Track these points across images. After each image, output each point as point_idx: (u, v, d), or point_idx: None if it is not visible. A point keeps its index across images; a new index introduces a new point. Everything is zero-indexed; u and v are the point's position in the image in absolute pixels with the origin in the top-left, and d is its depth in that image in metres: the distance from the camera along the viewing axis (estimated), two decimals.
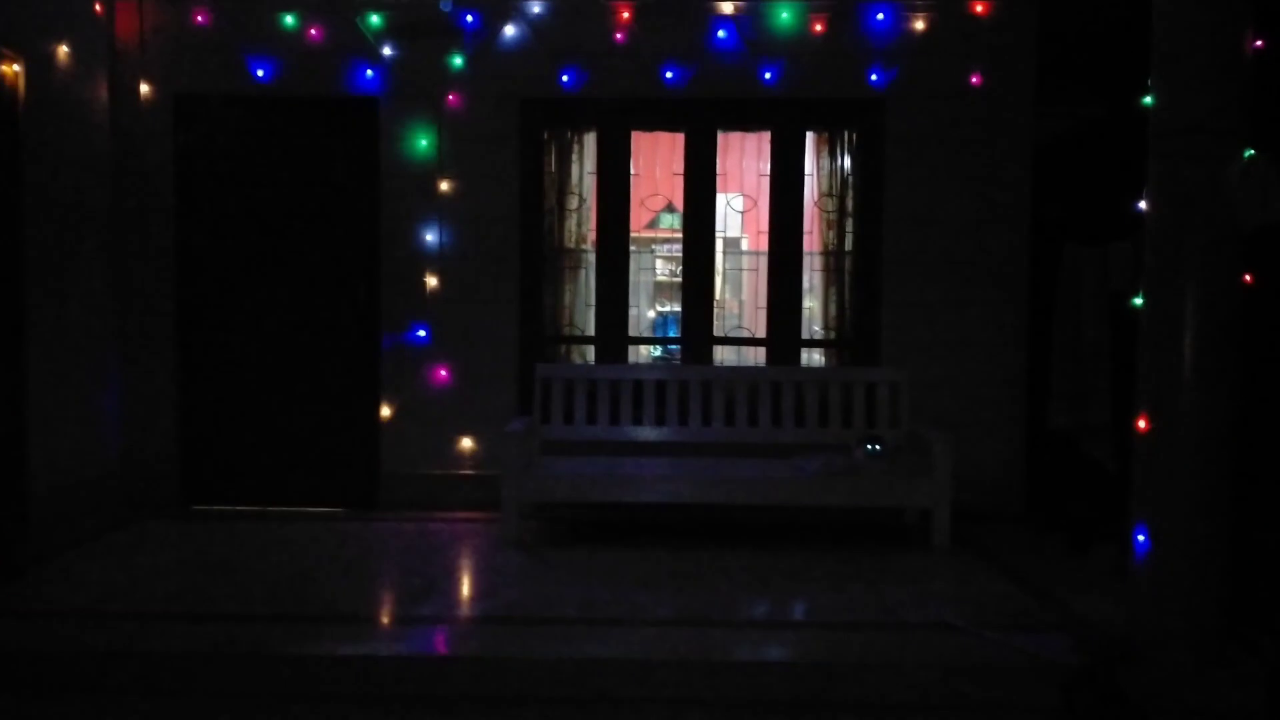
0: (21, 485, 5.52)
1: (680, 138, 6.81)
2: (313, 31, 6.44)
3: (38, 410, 5.65)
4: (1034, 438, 6.45)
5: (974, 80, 6.43)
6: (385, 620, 4.66)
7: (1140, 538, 4.07)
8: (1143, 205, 4.15)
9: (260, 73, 6.46)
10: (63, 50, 5.90)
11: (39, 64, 5.67)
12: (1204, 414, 3.94)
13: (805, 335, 6.89)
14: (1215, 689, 3.95)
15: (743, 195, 7.36)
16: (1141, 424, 4.08)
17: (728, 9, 6.45)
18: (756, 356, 7.00)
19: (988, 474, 6.46)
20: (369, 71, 6.48)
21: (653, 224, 9.26)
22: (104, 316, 6.42)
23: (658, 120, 6.83)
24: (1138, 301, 4.17)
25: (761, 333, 6.89)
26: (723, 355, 7.05)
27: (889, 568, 5.43)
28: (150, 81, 6.48)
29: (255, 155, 6.61)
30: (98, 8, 6.25)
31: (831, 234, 6.81)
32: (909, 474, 5.82)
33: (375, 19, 6.40)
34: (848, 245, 6.76)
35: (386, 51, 6.45)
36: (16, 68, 5.49)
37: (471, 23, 6.43)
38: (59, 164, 5.88)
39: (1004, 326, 6.52)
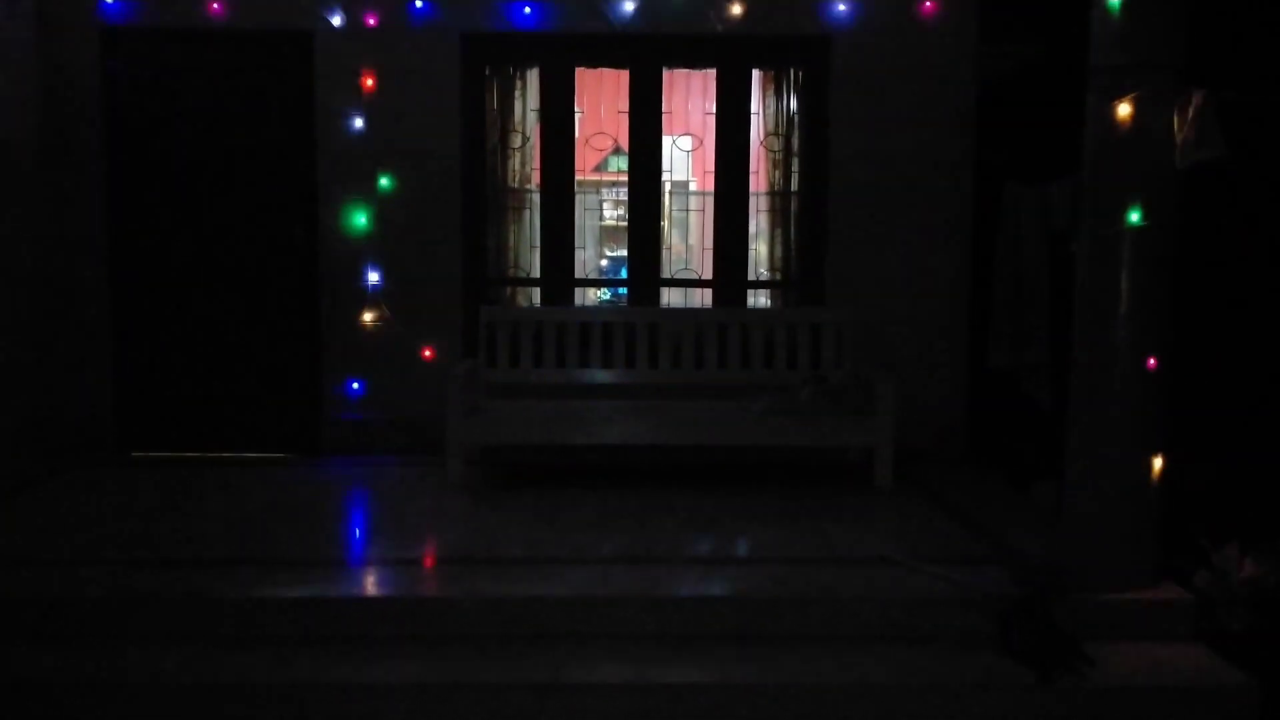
0: None
1: (625, 75, 6.70)
2: None
3: None
4: (976, 377, 6.52)
5: (920, 15, 6.38)
6: (328, 563, 4.61)
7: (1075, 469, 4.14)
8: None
9: (193, 6, 6.22)
10: None
11: None
12: (1137, 348, 4.00)
13: (752, 277, 6.88)
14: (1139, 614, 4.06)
15: (690, 136, 7.29)
16: (1078, 359, 4.13)
17: None
18: (704, 298, 6.98)
19: (931, 414, 6.52)
20: (304, 3, 6.27)
21: (600, 167, 9.16)
22: (20, 261, 6.19)
23: (602, 57, 6.70)
24: (1075, 247, 4.19)
25: (708, 274, 6.87)
26: (669, 297, 7.01)
27: (832, 506, 5.49)
28: (73, 12, 6.22)
29: (188, 93, 6.39)
30: None
31: (778, 174, 6.78)
32: (853, 414, 5.86)
33: None
34: (794, 186, 6.73)
35: None
36: None
37: None
38: None
39: (948, 267, 6.55)
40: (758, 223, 6.89)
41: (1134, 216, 3.95)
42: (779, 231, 6.81)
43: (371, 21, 6.31)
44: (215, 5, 6.23)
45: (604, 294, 8.11)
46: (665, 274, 6.88)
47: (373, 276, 6.48)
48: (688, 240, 8.18)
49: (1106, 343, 4.04)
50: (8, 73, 5.96)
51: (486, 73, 6.61)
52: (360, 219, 6.44)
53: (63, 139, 6.30)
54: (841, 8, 6.38)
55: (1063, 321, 4.59)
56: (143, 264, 6.47)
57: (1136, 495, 4.10)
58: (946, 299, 6.56)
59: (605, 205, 8.83)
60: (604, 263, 8.97)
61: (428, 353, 6.50)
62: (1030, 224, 5.73)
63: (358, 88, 6.36)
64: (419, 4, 6.31)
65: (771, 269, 6.88)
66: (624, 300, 6.97)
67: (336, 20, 6.29)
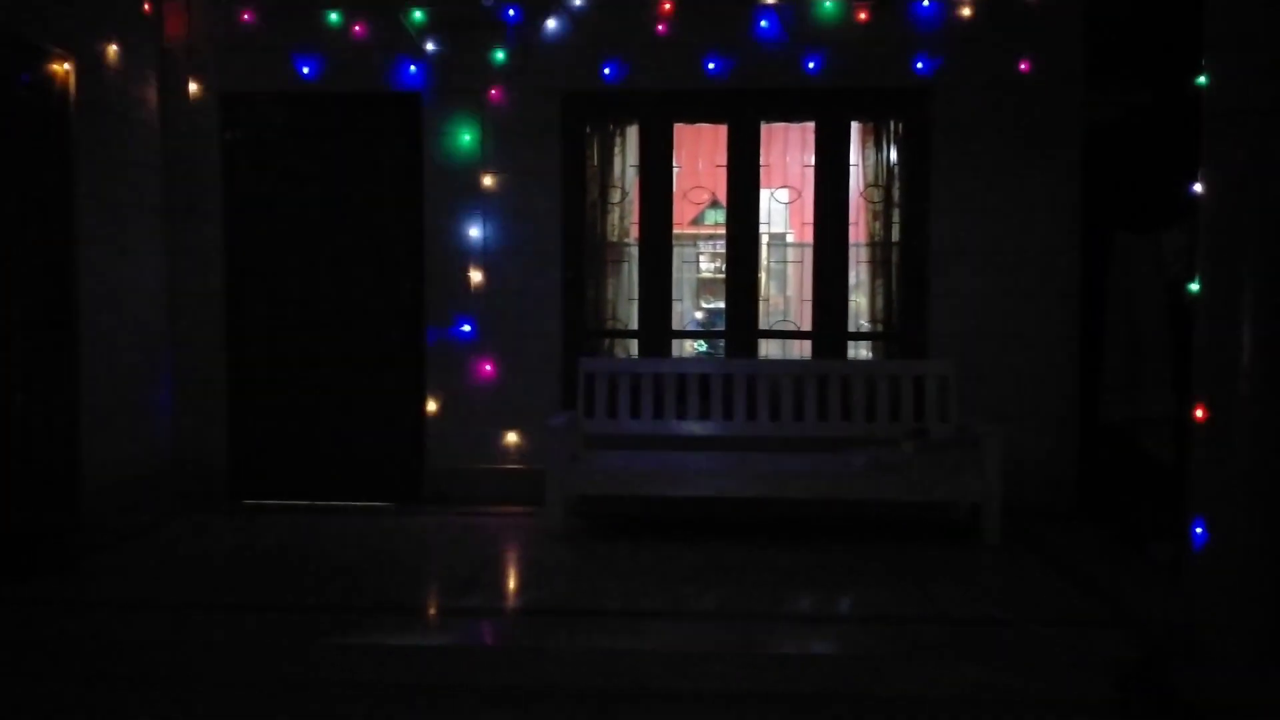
0: (74, 480, 5.64)
1: (723, 130, 6.76)
2: (356, 28, 6.47)
3: (90, 406, 5.76)
4: (1088, 431, 6.30)
5: (1021, 68, 6.30)
6: (430, 611, 4.66)
7: (1198, 530, 3.96)
8: (1197, 189, 4.03)
9: (305, 70, 6.51)
10: (112, 50, 6.00)
11: (89, 63, 5.77)
12: (1263, 401, 3.82)
13: (852, 328, 6.80)
14: (1273, 685, 3.82)
15: (788, 188, 7.29)
16: (1199, 413, 3.97)
17: (769, 0, 6.39)
18: (802, 350, 6.92)
19: (1039, 468, 6.32)
20: (412, 67, 6.50)
21: (698, 220, 9.24)
22: (156, 313, 6.52)
23: (700, 112, 6.78)
24: (1194, 288, 4.05)
25: (807, 326, 6.82)
26: (768, 349, 6.97)
27: (937, 563, 5.34)
28: (198, 80, 6.56)
29: (301, 152, 6.67)
30: (146, 7, 6.33)
31: (878, 225, 6.72)
32: (958, 468, 5.72)
33: (418, 14, 6.42)
34: (894, 236, 6.66)
35: (429, 47, 6.46)
36: (67, 66, 5.60)
37: (513, 16, 6.43)
38: (110, 162, 5.99)
39: (1055, 317, 6.37)
40: (857, 274, 6.83)
41: (1252, 263, 3.80)
42: (879, 283, 6.73)
43: (476, 84, 6.50)
44: (327, 71, 6.50)
45: (701, 345, 8.12)
46: (763, 326, 6.86)
47: (475, 329, 6.60)
48: (785, 292, 8.16)
49: (1229, 395, 3.87)
50: (136, 136, 6.31)
51: (587, 130, 6.74)
52: (464, 272, 6.59)
53: (185, 199, 6.62)
54: (941, 60, 6.34)
55: (1182, 373, 4.42)
56: (257, 318, 6.72)
57: (1262, 554, 3.89)
58: (1055, 349, 6.37)
59: (702, 258, 8.88)
60: (698, 314, 8.98)
61: (527, 405, 6.57)
62: (1143, 273, 5.57)
63: (463, 146, 6.54)
64: (521, 64, 6.49)
65: (872, 320, 6.79)
66: (721, 352, 6.96)
67: (442, 84, 6.50)
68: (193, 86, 6.56)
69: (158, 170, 6.53)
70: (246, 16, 6.48)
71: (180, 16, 6.51)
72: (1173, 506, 4.30)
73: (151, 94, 6.45)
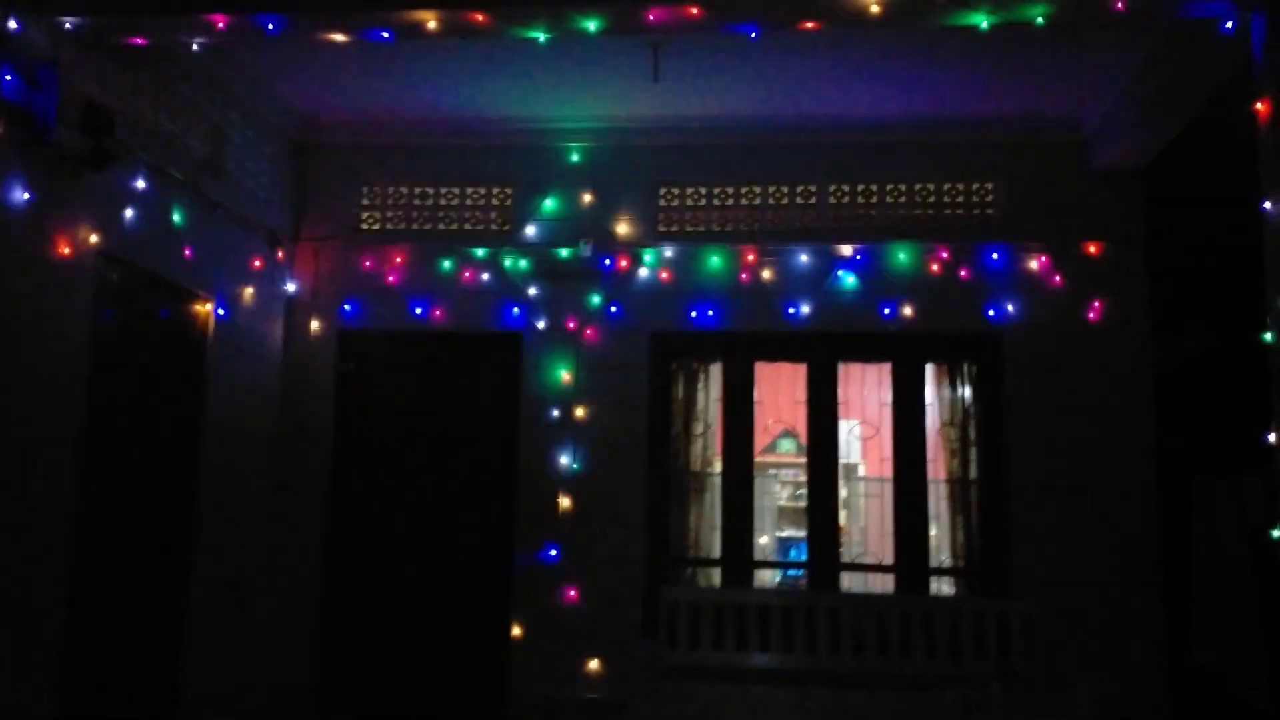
0: (171, 709, 5.81)
1: (802, 367, 7.11)
2: (466, 275, 7.08)
3: (194, 632, 6.00)
4: (1176, 674, 6.17)
5: (1090, 315, 6.62)
6: None
7: None
8: (1271, 438, 4.20)
9: (418, 310, 7.08)
10: (248, 293, 6.63)
11: (226, 305, 6.37)
12: None
13: (933, 563, 6.86)
14: None
15: (863, 423, 7.55)
16: None
17: (847, 252, 6.87)
18: (884, 584, 6.97)
19: (1126, 711, 6.15)
20: (515, 309, 7.04)
21: (771, 448, 9.49)
22: (260, 537, 6.85)
23: (780, 352, 7.16)
24: (1277, 534, 4.14)
25: (888, 560, 6.90)
26: (849, 582, 7.04)
27: None
28: (319, 317, 7.16)
29: (407, 383, 7.16)
30: (279, 255, 7.02)
31: (955, 462, 6.89)
32: (1048, 712, 5.62)
33: (523, 263, 7.02)
34: (972, 474, 6.82)
35: (532, 291, 7.02)
36: (209, 307, 6.21)
37: (608, 266, 6.99)
38: (234, 391, 6.49)
39: (1137, 557, 6.38)
40: (937, 509, 6.95)
41: None
42: (959, 519, 6.84)
43: (571, 324, 7.00)
44: (437, 312, 7.07)
45: (779, 574, 8.19)
46: (844, 559, 6.95)
47: (562, 554, 6.79)
48: (864, 525, 8.27)
49: None
50: (259, 367, 6.85)
51: (672, 366, 7.14)
52: (553, 499, 6.85)
53: (298, 424, 7.08)
54: (1010, 308, 6.70)
55: (1271, 616, 4.43)
56: (351, 535, 7.02)
57: None
58: (1139, 590, 6.34)
59: (777, 486, 9.08)
60: (763, 540, 9.04)
61: (610, 631, 6.66)
62: (1225, 516, 5.63)
63: (558, 380, 6.97)
64: (613, 309, 6.99)
65: (954, 556, 6.86)
66: (799, 581, 7.03)
67: (541, 324, 7.02)
68: (314, 324, 7.16)
69: (275, 399, 7.03)
70: (367, 263, 7.14)
71: (309, 263, 7.19)
72: None
73: (277, 329, 7.05)
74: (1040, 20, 4.57)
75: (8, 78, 4.50)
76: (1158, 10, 4.61)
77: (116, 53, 5.15)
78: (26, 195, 4.62)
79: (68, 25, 4.82)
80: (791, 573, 8.21)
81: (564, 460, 6.90)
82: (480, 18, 4.69)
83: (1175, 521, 6.24)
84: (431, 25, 4.72)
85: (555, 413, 6.94)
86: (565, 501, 6.86)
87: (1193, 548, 5.82)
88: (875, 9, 4.50)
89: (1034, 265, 6.73)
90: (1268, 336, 4.27)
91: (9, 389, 4.56)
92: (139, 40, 5.06)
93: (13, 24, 4.56)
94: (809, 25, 4.81)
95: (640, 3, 4.59)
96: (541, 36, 4.85)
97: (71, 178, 4.90)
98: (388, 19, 4.74)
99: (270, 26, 4.81)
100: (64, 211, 4.90)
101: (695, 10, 4.59)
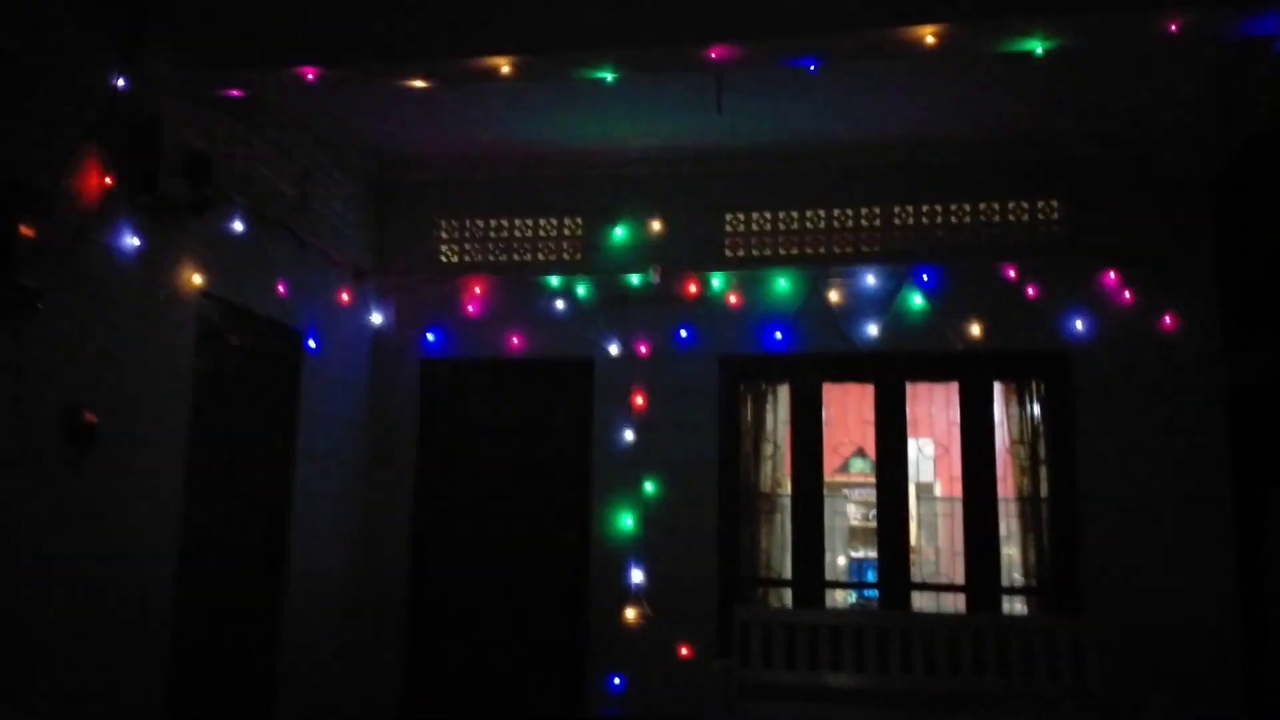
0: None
1: (870, 387, 7.20)
2: (541, 303, 7.33)
3: (289, 652, 6.30)
4: (1251, 692, 6.10)
5: (1159, 330, 6.59)
6: None
7: None
8: None
9: (496, 339, 7.34)
10: (336, 325, 6.95)
11: (315, 336, 6.68)
12: None
13: (1005, 582, 6.87)
14: None
15: (933, 442, 7.61)
16: None
17: (913, 271, 6.93)
18: (955, 603, 7.00)
19: None
20: (587, 335, 7.26)
21: (843, 468, 9.56)
22: (349, 561, 7.14)
23: (848, 373, 7.26)
24: None
25: (959, 579, 6.93)
26: (920, 602, 7.08)
27: None
28: (400, 348, 7.47)
29: (486, 410, 7.45)
30: (361, 287, 7.30)
31: (1025, 480, 6.91)
32: None
33: (595, 291, 7.25)
34: (1043, 492, 6.82)
35: (603, 318, 7.23)
36: (299, 340, 6.54)
37: (677, 290, 7.17)
38: (325, 420, 6.80)
39: (1212, 573, 6.33)
40: (1008, 528, 6.97)
41: None
42: (1030, 537, 6.85)
43: (643, 349, 7.20)
44: (515, 340, 7.33)
45: (852, 595, 8.25)
46: (915, 578, 7.00)
47: (635, 575, 6.97)
48: (936, 544, 8.29)
49: None
50: (350, 394, 7.17)
51: (741, 389, 7.29)
52: (626, 521, 7.04)
53: (384, 450, 7.39)
54: (1078, 324, 6.71)
55: None
56: (434, 562, 7.29)
57: None
58: (1213, 607, 6.29)
59: (848, 506, 9.14)
60: (840, 560, 9.12)
61: (684, 651, 6.81)
62: None
63: (629, 404, 7.17)
64: (683, 334, 7.17)
65: (1025, 575, 6.87)
66: (871, 602, 7.09)
67: (614, 349, 7.23)
68: (397, 354, 7.47)
69: (363, 427, 7.34)
70: (447, 294, 7.43)
71: (392, 296, 7.50)
72: None
73: (363, 359, 7.37)
74: (1095, 45, 4.64)
75: (116, 132, 4.86)
76: (1212, 31, 4.65)
77: (214, 103, 5.51)
78: (136, 241, 4.97)
79: (170, 79, 5.17)
80: (865, 592, 8.27)
81: (636, 482, 7.08)
82: (549, 61, 4.94)
83: (1251, 536, 6.18)
84: (505, 70, 4.97)
85: (628, 436, 7.13)
86: (639, 522, 7.03)
87: (1268, 562, 5.76)
88: (930, 39, 4.63)
89: (1101, 281, 6.74)
90: None
91: (121, 422, 4.89)
92: (236, 92, 5.41)
93: (121, 82, 4.92)
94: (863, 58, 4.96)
95: (702, 41, 4.78)
96: (609, 77, 5.07)
97: (174, 223, 5.25)
98: (466, 66, 5.00)
99: (354, 76, 5.12)
100: (168, 255, 5.25)
101: (755, 47, 4.77)
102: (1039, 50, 4.70)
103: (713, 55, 4.85)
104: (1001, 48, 4.76)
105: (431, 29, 4.96)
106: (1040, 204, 6.98)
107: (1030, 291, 6.81)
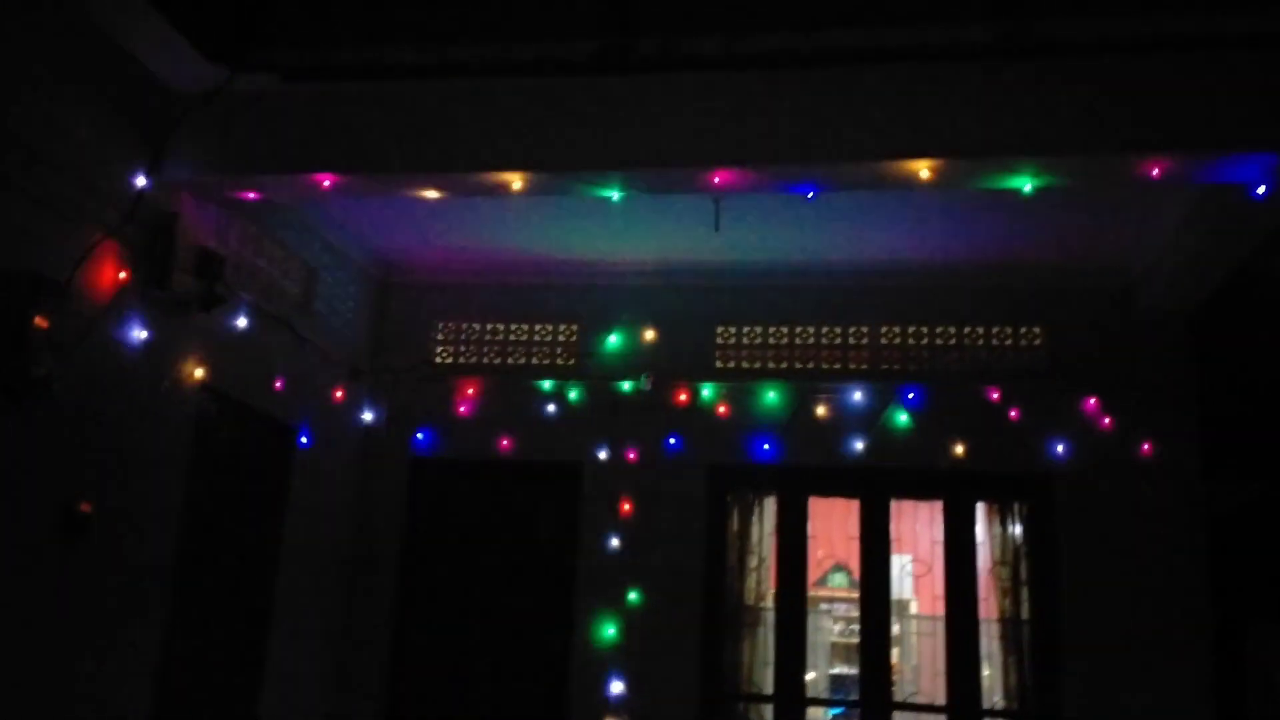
0: None
1: (855, 504, 7.27)
2: (533, 407, 7.40)
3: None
4: None
5: (1139, 458, 6.71)
6: None
7: None
8: None
9: (486, 441, 7.38)
10: (329, 422, 6.99)
11: (308, 434, 6.71)
12: None
13: (985, 704, 6.85)
14: None
15: (915, 560, 7.66)
16: None
17: (899, 390, 7.09)
18: None
19: None
20: (577, 440, 7.32)
21: (822, 582, 9.56)
22: (327, 657, 7.05)
23: (834, 488, 7.35)
24: None
25: (940, 699, 6.91)
26: None
27: None
28: (391, 447, 7.50)
29: (474, 512, 7.43)
30: (357, 387, 7.36)
31: (1007, 601, 6.94)
32: None
33: (587, 397, 7.34)
34: (1024, 613, 6.85)
35: (594, 424, 7.31)
36: (292, 436, 6.58)
37: (668, 400, 7.27)
38: (312, 516, 6.78)
39: (1191, 703, 6.34)
40: (989, 648, 6.98)
41: None
42: (1012, 659, 6.85)
43: (631, 456, 7.26)
44: (504, 442, 7.38)
45: (832, 711, 8.18)
46: (896, 697, 6.97)
47: (616, 686, 6.90)
48: (916, 663, 8.27)
49: None
50: (338, 491, 7.18)
51: (728, 499, 7.34)
52: (609, 631, 7.00)
53: (368, 549, 7.36)
54: (1060, 449, 6.84)
55: None
56: (416, 666, 7.19)
57: None
58: None
59: (829, 621, 9.12)
60: (814, 676, 9.04)
61: None
62: (1278, 661, 5.63)
63: (615, 510, 7.19)
64: (672, 442, 7.25)
65: (1006, 697, 6.85)
66: (850, 718, 7.04)
67: (602, 454, 7.29)
68: (385, 453, 7.50)
69: (350, 524, 7.32)
70: (440, 395, 7.49)
71: (386, 394, 7.56)
72: None
73: (352, 458, 7.39)
74: (1080, 185, 4.88)
75: (129, 229, 4.99)
76: (1190, 175, 4.90)
77: (228, 203, 5.66)
78: (144, 334, 5.06)
79: (184, 181, 5.33)
80: (838, 710, 8.21)
81: (621, 590, 7.06)
82: (558, 180, 5.14)
83: (1230, 666, 6.22)
84: (516, 186, 5.16)
85: (614, 542, 7.14)
86: (622, 632, 6.99)
87: (1248, 694, 5.80)
88: (925, 174, 4.85)
89: (1083, 407, 6.90)
90: None
91: (116, 511, 4.90)
92: (250, 194, 5.57)
93: (141, 180, 5.07)
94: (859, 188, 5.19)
95: (705, 166, 5.00)
96: (615, 195, 5.25)
97: (182, 318, 5.35)
98: (479, 181, 5.19)
99: (370, 186, 5.30)
100: (174, 349, 5.34)
101: (756, 174, 4.99)
102: (1027, 189, 4.93)
103: (715, 180, 5.05)
104: (991, 184, 4.99)
105: (447, 147, 5.16)
106: (1024, 330, 7.18)
107: (1013, 414, 6.95)
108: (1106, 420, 6.84)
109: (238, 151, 5.31)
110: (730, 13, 4.94)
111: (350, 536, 7.32)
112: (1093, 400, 6.89)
